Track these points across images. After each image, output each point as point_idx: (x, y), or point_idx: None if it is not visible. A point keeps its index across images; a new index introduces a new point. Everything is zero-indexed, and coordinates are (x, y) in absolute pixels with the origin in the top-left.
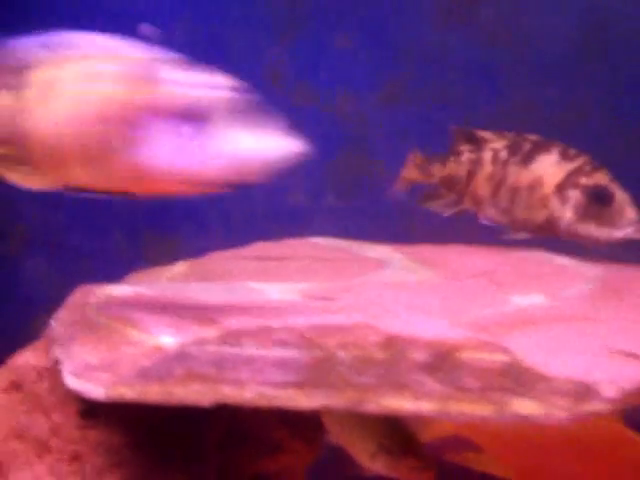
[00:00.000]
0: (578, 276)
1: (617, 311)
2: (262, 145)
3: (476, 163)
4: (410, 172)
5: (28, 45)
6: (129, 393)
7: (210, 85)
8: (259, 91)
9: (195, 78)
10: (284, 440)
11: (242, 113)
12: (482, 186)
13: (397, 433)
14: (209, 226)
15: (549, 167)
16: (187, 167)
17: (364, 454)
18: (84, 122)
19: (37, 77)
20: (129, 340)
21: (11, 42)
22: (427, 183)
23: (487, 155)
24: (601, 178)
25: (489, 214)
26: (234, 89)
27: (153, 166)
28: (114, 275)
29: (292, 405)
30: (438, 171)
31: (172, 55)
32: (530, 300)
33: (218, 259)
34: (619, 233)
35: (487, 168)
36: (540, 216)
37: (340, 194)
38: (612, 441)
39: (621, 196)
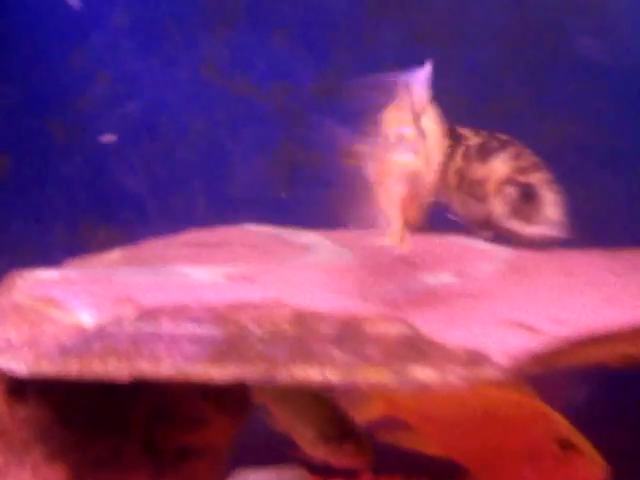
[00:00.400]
0: (490, 258)
1: (519, 288)
2: None
3: (449, 157)
4: None
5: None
6: (50, 369)
7: None
8: (196, 82)
9: None
10: (209, 415)
11: None
12: (451, 179)
13: (336, 419)
14: (149, 216)
15: (499, 164)
16: None
17: (305, 440)
18: None
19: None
20: (51, 319)
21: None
22: None
23: (460, 150)
24: (537, 178)
25: (455, 207)
26: None
27: None
28: (53, 262)
29: (206, 378)
30: None
31: None
32: (440, 279)
33: (152, 246)
34: (533, 229)
35: (457, 162)
36: (483, 211)
37: (278, 184)
38: (528, 416)
39: (548, 196)
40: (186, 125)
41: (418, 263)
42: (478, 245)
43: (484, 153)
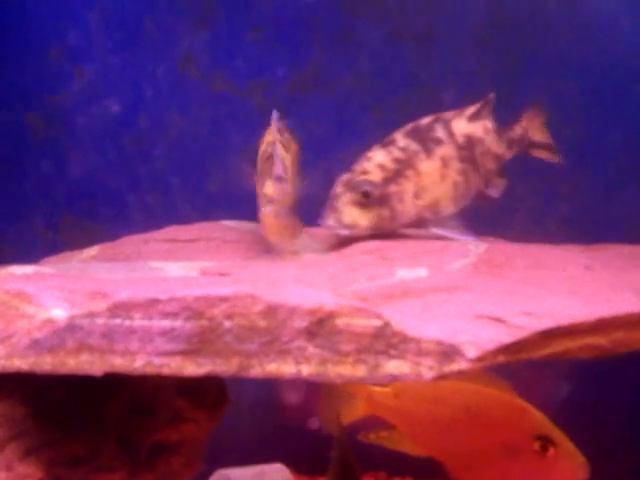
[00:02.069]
0: (463, 252)
1: (491, 282)
2: None
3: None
4: None
5: None
6: (23, 364)
7: None
8: (175, 79)
9: None
10: (184, 410)
11: None
12: None
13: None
14: (128, 212)
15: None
16: None
17: None
18: None
19: None
20: (23, 314)
21: None
22: None
23: None
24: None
25: None
26: None
27: None
28: (31, 259)
29: (180, 372)
30: None
31: None
32: (414, 273)
33: (129, 242)
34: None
35: None
36: None
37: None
38: (508, 413)
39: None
40: (165, 122)
41: (393, 258)
42: (453, 239)
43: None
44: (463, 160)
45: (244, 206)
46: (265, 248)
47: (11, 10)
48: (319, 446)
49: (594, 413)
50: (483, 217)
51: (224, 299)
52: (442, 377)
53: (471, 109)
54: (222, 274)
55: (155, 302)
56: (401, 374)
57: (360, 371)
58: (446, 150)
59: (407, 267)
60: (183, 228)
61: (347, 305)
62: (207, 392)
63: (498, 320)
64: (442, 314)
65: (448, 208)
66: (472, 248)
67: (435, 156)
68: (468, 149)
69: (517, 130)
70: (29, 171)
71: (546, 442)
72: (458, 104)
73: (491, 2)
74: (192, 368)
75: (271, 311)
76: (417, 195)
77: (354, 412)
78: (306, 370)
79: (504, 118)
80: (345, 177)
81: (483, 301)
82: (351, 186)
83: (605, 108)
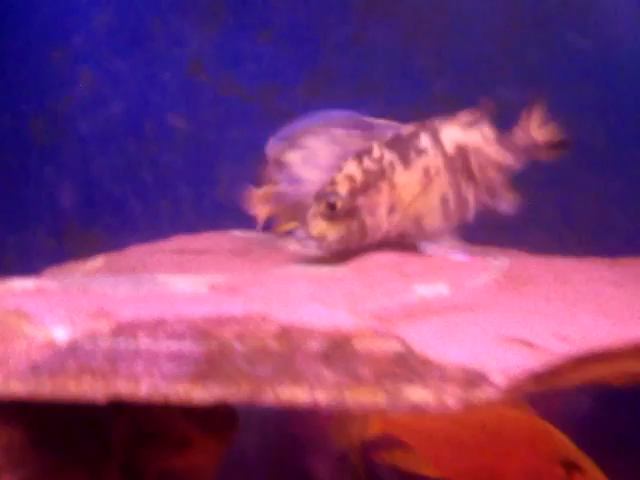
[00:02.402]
0: (484, 267)
1: (517, 301)
2: None
3: None
4: None
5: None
6: (20, 389)
7: None
8: (182, 83)
9: None
10: (192, 436)
11: None
12: None
13: None
14: (134, 220)
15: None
16: None
17: None
18: None
19: None
20: (22, 334)
21: None
22: None
23: None
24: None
25: None
26: None
27: None
28: (33, 269)
29: (187, 398)
30: None
31: None
32: (434, 290)
33: (136, 253)
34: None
35: None
36: None
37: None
38: (530, 436)
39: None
40: (171, 126)
41: (411, 273)
42: (473, 253)
43: None
44: (454, 171)
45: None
46: (277, 261)
47: (14, 12)
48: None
49: (619, 435)
50: (497, 228)
51: (235, 319)
52: (468, 406)
53: (465, 116)
54: (232, 290)
55: (162, 322)
56: (423, 402)
57: (379, 398)
58: (430, 160)
59: (426, 283)
60: (191, 238)
61: (366, 327)
62: (216, 415)
63: (527, 344)
64: (466, 336)
65: (435, 224)
66: (494, 262)
67: (415, 167)
68: (461, 159)
69: (518, 133)
70: (32, 178)
71: (571, 468)
72: (473, 107)
73: (508, 3)
74: (200, 394)
75: (285, 333)
76: (392, 209)
77: (368, 430)
78: (322, 397)
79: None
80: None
81: (510, 322)
82: (318, 197)
83: (627, 115)
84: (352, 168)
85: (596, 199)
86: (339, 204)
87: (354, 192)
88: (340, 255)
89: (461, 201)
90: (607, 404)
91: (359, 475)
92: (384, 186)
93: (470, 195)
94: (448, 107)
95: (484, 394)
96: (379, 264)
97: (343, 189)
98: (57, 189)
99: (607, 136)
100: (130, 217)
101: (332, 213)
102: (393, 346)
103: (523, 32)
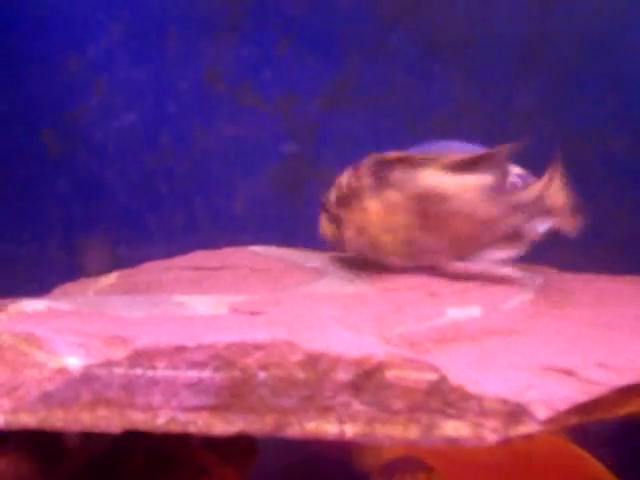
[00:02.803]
0: (518, 287)
1: (555, 324)
2: None
3: None
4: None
5: None
6: (31, 420)
7: None
8: (199, 93)
9: None
10: (210, 465)
11: None
12: None
13: None
14: (149, 234)
15: None
16: None
17: None
18: None
19: None
20: (33, 362)
21: None
22: None
23: None
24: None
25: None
26: None
27: None
28: (45, 282)
29: (207, 431)
30: None
31: None
32: (467, 312)
33: (151, 270)
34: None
35: None
36: None
37: (284, 201)
38: (564, 461)
39: None
40: (188, 137)
41: (442, 294)
42: (503, 271)
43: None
44: (418, 215)
45: (271, 228)
46: (299, 279)
47: (28, 21)
48: None
49: None
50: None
51: (259, 346)
52: (507, 441)
53: (459, 157)
54: (253, 312)
55: (181, 349)
56: (460, 437)
57: (413, 432)
58: (393, 197)
59: (458, 305)
60: (208, 254)
61: (397, 355)
62: (235, 444)
63: (569, 373)
64: (503, 364)
65: (401, 262)
66: (529, 282)
67: (380, 198)
68: (422, 204)
69: (531, 194)
70: (44, 190)
71: None
72: (495, 118)
73: (532, 15)
74: (221, 426)
75: (311, 361)
76: (360, 231)
77: (390, 451)
78: (351, 430)
79: (547, 136)
80: None
81: (548, 348)
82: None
83: None
84: (345, 178)
85: (626, 213)
86: (327, 207)
87: (339, 203)
88: (364, 271)
89: (430, 248)
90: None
91: None
92: (356, 207)
93: (438, 243)
94: (469, 117)
95: (526, 428)
96: (409, 286)
97: (333, 196)
98: (70, 200)
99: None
100: (145, 230)
101: (326, 214)
102: (427, 376)
103: (547, 42)
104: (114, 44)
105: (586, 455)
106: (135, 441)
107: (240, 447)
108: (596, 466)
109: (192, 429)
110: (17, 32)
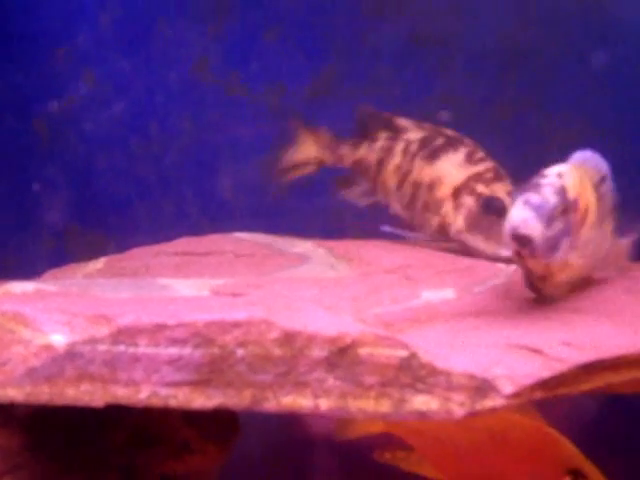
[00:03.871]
0: (492, 272)
1: (525, 306)
2: None
3: (387, 152)
4: (318, 151)
5: None
6: (18, 394)
7: None
8: (186, 83)
9: None
10: (192, 441)
11: None
12: (390, 177)
13: None
14: (137, 221)
15: (451, 168)
16: None
17: None
18: None
19: None
20: (20, 339)
21: None
22: (337, 166)
23: (399, 145)
24: (499, 189)
25: (395, 208)
26: None
27: None
28: (35, 271)
29: (187, 405)
30: (348, 154)
31: None
32: (441, 295)
33: (138, 255)
34: (505, 252)
35: (396, 159)
36: (435, 219)
37: (271, 190)
38: (537, 443)
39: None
40: (176, 127)
41: (418, 278)
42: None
43: (430, 152)
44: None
45: (258, 216)
46: (281, 264)
47: (17, 11)
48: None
49: (627, 443)
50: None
51: (237, 325)
52: (474, 415)
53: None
54: (235, 294)
55: (162, 327)
56: (429, 411)
57: (384, 406)
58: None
59: (433, 288)
60: (194, 240)
61: (370, 333)
62: (217, 421)
63: (536, 351)
64: (473, 343)
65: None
66: (502, 267)
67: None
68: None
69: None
70: (34, 178)
71: (578, 476)
72: (481, 111)
73: (518, 5)
74: (201, 400)
75: (288, 339)
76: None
77: (370, 428)
78: (325, 404)
79: (531, 128)
80: None
81: (517, 329)
82: None
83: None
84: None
85: None
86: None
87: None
88: (346, 257)
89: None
90: (612, 407)
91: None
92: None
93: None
94: (453, 108)
95: (491, 403)
96: (386, 269)
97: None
98: (59, 190)
99: (617, 142)
100: (133, 218)
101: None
102: (398, 353)
103: (532, 33)
104: (103, 35)
105: (563, 439)
106: (119, 418)
107: (222, 425)
108: (572, 449)
109: (173, 403)
110: (7, 22)
